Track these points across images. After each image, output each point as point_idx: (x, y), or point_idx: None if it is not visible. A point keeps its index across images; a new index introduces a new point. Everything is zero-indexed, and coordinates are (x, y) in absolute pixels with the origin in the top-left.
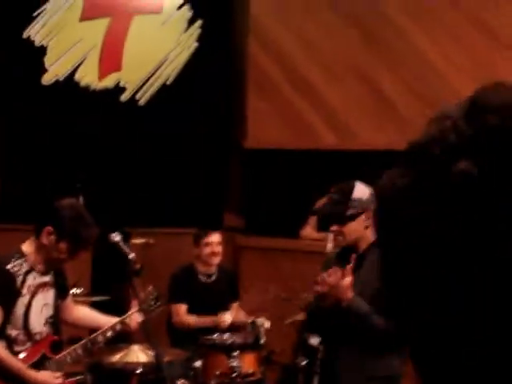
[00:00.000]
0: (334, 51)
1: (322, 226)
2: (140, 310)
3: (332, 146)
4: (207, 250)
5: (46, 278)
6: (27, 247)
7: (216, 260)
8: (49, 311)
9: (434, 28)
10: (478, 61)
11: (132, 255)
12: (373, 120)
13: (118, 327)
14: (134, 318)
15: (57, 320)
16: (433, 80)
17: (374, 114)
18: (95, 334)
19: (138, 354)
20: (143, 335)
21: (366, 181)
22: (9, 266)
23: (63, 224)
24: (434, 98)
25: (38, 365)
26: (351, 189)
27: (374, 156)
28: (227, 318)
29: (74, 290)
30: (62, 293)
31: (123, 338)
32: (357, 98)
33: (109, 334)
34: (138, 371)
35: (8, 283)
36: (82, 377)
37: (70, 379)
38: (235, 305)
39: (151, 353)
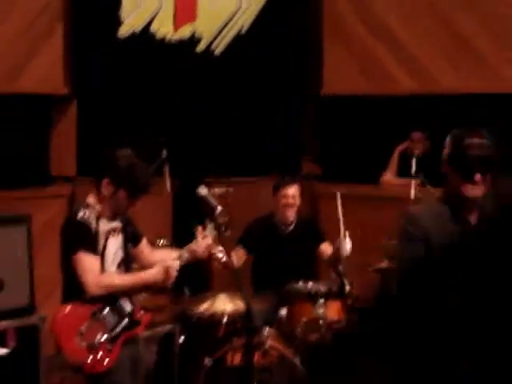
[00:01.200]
0: None
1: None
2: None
3: (410, 90)
4: (283, 201)
5: (115, 224)
6: (91, 199)
7: (291, 211)
8: (121, 255)
9: None
10: None
11: (220, 208)
12: (451, 63)
13: (186, 255)
14: (200, 243)
15: (128, 263)
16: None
17: (452, 57)
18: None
19: (225, 303)
20: (234, 283)
21: (445, 125)
22: (79, 216)
23: (118, 174)
24: None
25: None
26: None
27: (453, 100)
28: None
29: (160, 241)
30: (133, 239)
31: (209, 287)
32: (435, 41)
33: (177, 263)
34: (224, 320)
35: (84, 231)
36: (171, 326)
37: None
38: (325, 245)
39: (238, 301)
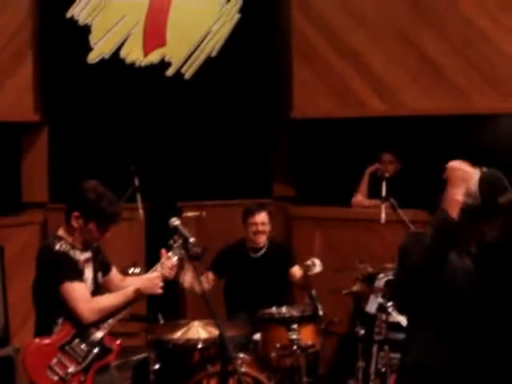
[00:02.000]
0: (379, 17)
1: None
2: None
3: (379, 112)
4: (252, 228)
5: (87, 255)
6: (62, 232)
7: (262, 238)
8: (92, 286)
9: None
10: None
11: (193, 239)
12: (419, 85)
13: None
14: (167, 265)
15: (98, 293)
16: (479, 43)
17: (420, 80)
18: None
19: (199, 330)
20: (207, 310)
21: (415, 145)
22: (56, 248)
23: (87, 207)
24: (481, 61)
25: None
26: None
27: (423, 121)
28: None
29: (132, 270)
30: (104, 268)
31: (182, 314)
32: (403, 63)
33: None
34: (199, 346)
35: (67, 260)
36: (145, 354)
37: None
38: (295, 268)
39: (211, 328)
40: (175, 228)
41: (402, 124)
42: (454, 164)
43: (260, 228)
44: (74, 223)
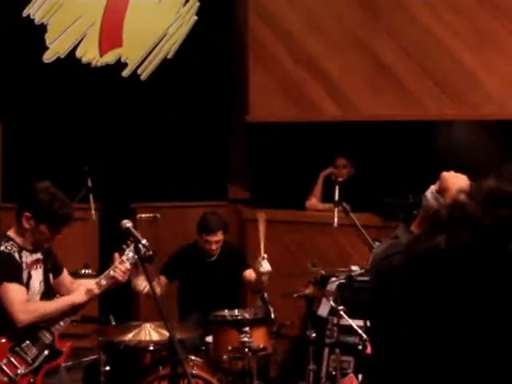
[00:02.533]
0: (334, 23)
1: None
2: (142, 262)
3: (334, 117)
4: (205, 245)
5: (37, 256)
6: (12, 232)
7: (213, 252)
8: (42, 287)
9: (436, 0)
10: (477, 29)
11: (144, 241)
12: (373, 90)
13: (104, 282)
14: (120, 268)
15: (49, 295)
16: (433, 49)
17: (374, 85)
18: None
19: (150, 332)
20: (157, 312)
21: (369, 150)
22: (1, 248)
23: (38, 208)
24: (434, 66)
25: None
26: None
27: (377, 126)
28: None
29: (84, 271)
30: (54, 270)
31: (135, 316)
32: (358, 69)
33: (96, 290)
34: (150, 349)
35: (9, 261)
36: (96, 356)
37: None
38: (248, 271)
39: (163, 330)
40: (127, 230)
41: (356, 129)
42: (449, 174)
43: (213, 246)
44: (26, 224)
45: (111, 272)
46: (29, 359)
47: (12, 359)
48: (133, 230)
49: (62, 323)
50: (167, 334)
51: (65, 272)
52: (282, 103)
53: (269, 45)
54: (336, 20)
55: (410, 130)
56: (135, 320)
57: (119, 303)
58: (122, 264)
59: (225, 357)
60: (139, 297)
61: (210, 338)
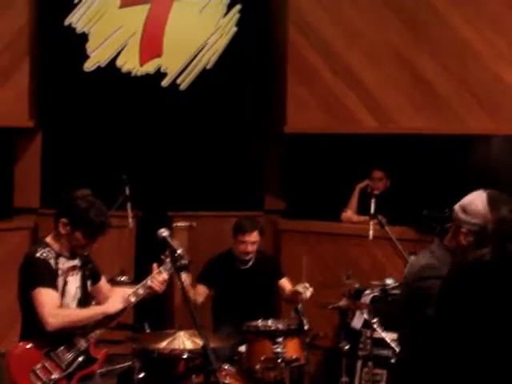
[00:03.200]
0: (374, 35)
1: None
2: (177, 271)
3: (371, 129)
4: (242, 247)
5: (74, 262)
6: (50, 238)
7: (248, 256)
8: (79, 293)
9: (474, 13)
10: None
11: (180, 250)
12: (412, 104)
13: (141, 291)
14: (157, 279)
15: (87, 301)
16: (472, 64)
17: (413, 98)
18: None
19: (184, 341)
20: (190, 320)
21: (406, 163)
22: (37, 255)
23: (75, 215)
24: (473, 81)
25: None
26: None
27: (414, 140)
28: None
29: (120, 278)
30: (93, 277)
31: (170, 324)
32: (396, 81)
33: (133, 300)
34: (184, 357)
35: (44, 267)
36: (130, 363)
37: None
38: (284, 281)
39: (197, 339)
40: (163, 239)
41: (393, 142)
42: None
43: (249, 248)
44: (62, 230)
45: (148, 282)
46: (63, 365)
47: (46, 364)
48: (169, 240)
49: (97, 331)
50: (201, 342)
51: (103, 279)
52: (320, 115)
53: (307, 56)
54: (375, 32)
55: (447, 143)
56: (170, 328)
57: (154, 311)
58: (160, 274)
59: (258, 367)
60: (174, 305)
61: (243, 348)
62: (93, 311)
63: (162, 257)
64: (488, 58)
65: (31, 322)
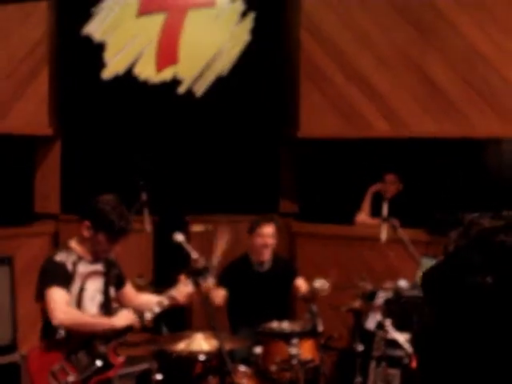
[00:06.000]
0: (386, 41)
1: None
2: (192, 276)
3: (384, 133)
4: (259, 240)
5: (97, 267)
6: (73, 242)
7: (267, 251)
8: (101, 298)
9: (482, 16)
10: None
11: (195, 255)
12: (424, 108)
13: (166, 302)
14: (181, 290)
15: (108, 306)
16: (481, 67)
17: (425, 103)
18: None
19: (201, 342)
20: (207, 322)
21: (418, 166)
22: (56, 258)
23: (98, 217)
24: (483, 84)
25: None
26: None
27: (426, 143)
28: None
29: (138, 280)
30: (117, 282)
31: (187, 326)
32: (408, 86)
33: (156, 310)
34: (201, 358)
35: (59, 269)
36: (148, 364)
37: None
38: (299, 280)
39: (214, 341)
40: (179, 244)
41: (405, 145)
42: None
43: (267, 240)
44: (85, 233)
45: (173, 293)
46: (80, 368)
47: (65, 366)
48: (184, 244)
49: (118, 338)
50: (217, 344)
51: (128, 285)
52: (333, 119)
53: (320, 62)
54: (386, 37)
55: (459, 146)
56: (187, 330)
57: (172, 313)
58: (186, 287)
59: (273, 368)
60: (191, 307)
61: (258, 349)
62: (101, 321)
63: (191, 269)
64: (497, 61)
65: (50, 324)
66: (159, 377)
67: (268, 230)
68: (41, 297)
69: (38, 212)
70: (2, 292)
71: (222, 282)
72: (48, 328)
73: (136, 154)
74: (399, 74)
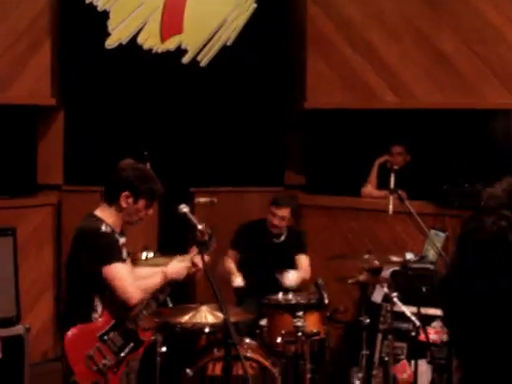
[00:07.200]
0: (394, 11)
1: None
2: (198, 247)
3: (391, 104)
4: (271, 218)
5: (124, 239)
6: (102, 213)
7: (275, 230)
8: None
9: None
10: None
11: (200, 226)
12: (431, 79)
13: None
14: (196, 261)
15: None
16: (491, 38)
17: (432, 73)
18: (160, 288)
19: (206, 315)
20: (211, 294)
21: (425, 138)
22: (103, 229)
23: (136, 185)
24: (492, 56)
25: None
26: None
27: (433, 115)
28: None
29: (146, 254)
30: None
31: (191, 298)
32: (416, 57)
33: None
34: (206, 331)
35: (113, 242)
36: (153, 337)
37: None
38: (302, 256)
39: (218, 313)
40: (183, 215)
41: (413, 117)
42: None
43: (275, 221)
44: (123, 203)
45: (186, 262)
46: (115, 349)
47: (101, 348)
48: (189, 215)
49: (145, 312)
50: (222, 316)
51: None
52: (340, 90)
53: (327, 33)
54: (395, 9)
55: (467, 118)
56: (192, 302)
57: (176, 285)
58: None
59: (278, 340)
60: (196, 280)
61: (264, 322)
62: (156, 279)
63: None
64: (506, 33)
65: (83, 302)
66: (164, 349)
67: (281, 212)
68: (83, 274)
69: (40, 183)
70: (5, 264)
71: (237, 243)
72: (81, 309)
73: (140, 126)
74: (408, 45)
